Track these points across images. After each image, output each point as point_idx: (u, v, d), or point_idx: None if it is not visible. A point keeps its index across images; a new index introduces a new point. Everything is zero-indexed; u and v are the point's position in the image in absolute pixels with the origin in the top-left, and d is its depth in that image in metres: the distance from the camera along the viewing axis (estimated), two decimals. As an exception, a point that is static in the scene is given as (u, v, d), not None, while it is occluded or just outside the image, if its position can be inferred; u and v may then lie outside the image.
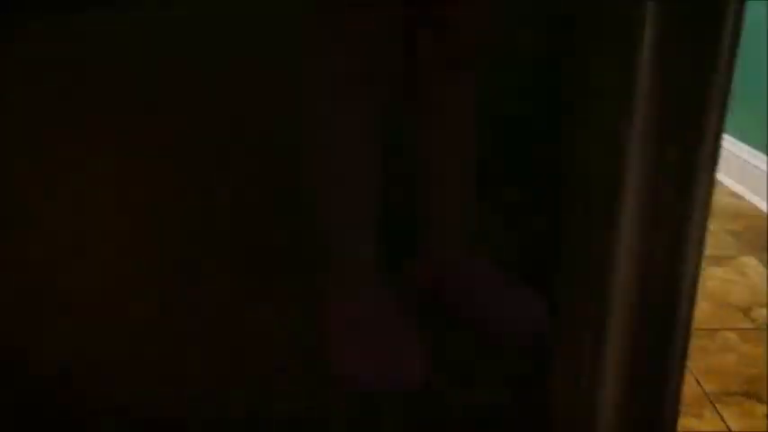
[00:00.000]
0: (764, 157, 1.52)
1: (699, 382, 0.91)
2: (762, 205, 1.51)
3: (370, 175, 0.64)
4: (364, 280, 0.66)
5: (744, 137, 1.63)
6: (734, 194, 1.60)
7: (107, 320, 0.57)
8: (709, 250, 1.30)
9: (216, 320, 0.59)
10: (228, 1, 0.52)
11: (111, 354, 0.56)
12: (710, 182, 0.40)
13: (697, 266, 0.43)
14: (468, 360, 0.63)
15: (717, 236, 1.38)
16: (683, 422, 0.84)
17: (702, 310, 1.10)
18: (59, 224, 0.58)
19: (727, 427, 0.83)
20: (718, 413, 0.85)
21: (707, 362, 0.96)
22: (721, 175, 1.71)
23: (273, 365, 0.58)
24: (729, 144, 1.67)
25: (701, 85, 0.37)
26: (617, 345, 0.42)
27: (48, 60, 0.53)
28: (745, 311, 1.09)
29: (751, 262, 1.26)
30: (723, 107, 0.38)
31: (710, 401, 0.87)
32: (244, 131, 0.58)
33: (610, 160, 0.38)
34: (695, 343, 1.00)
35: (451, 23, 0.62)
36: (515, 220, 0.65)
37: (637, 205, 0.39)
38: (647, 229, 0.40)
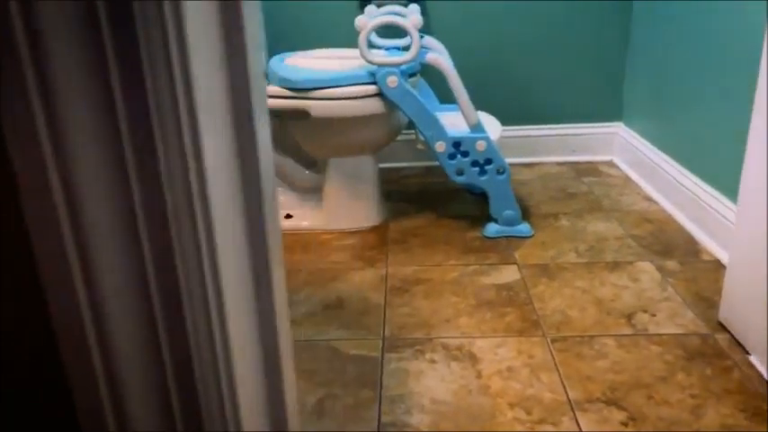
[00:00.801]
0: (674, 161, 1.57)
1: (565, 389, 0.95)
2: (671, 209, 1.55)
3: None
4: None
5: (660, 144, 1.67)
6: (648, 198, 1.65)
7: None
8: (610, 256, 1.35)
9: None
10: None
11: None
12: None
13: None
14: None
15: (621, 241, 1.42)
16: (540, 429, 0.88)
17: (588, 317, 1.14)
18: None
19: (583, 433, 0.87)
20: (576, 421, 0.89)
21: (578, 368, 1.00)
22: (640, 180, 1.76)
23: None
24: (647, 150, 1.72)
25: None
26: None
27: None
28: (629, 317, 1.13)
29: (647, 267, 1.30)
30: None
31: (572, 408, 0.91)
32: None
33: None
34: (572, 349, 1.04)
35: None
36: None
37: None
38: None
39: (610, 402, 0.92)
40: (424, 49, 1.46)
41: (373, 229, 1.56)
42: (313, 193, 1.64)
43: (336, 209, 1.56)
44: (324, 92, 1.38)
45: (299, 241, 1.51)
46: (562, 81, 1.92)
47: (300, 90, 1.40)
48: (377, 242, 1.49)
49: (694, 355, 1.02)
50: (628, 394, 0.94)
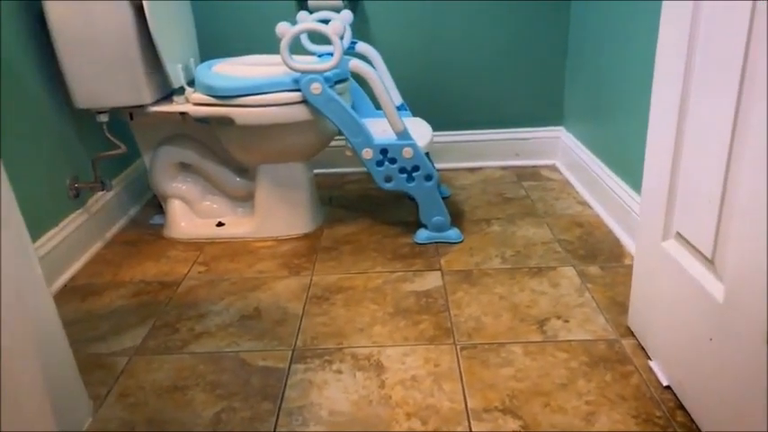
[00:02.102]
0: (605, 166, 1.58)
1: (465, 398, 0.95)
2: (603, 214, 1.56)
3: None
4: None
5: (593, 148, 1.68)
6: (583, 203, 1.66)
7: None
8: (534, 261, 1.35)
9: None
10: None
11: None
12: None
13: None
14: None
15: (548, 246, 1.42)
16: (432, 440, 0.87)
17: (501, 324, 1.14)
18: None
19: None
20: (470, 430, 0.89)
21: (482, 376, 1.00)
22: (578, 184, 1.76)
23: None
24: (583, 154, 1.73)
25: None
26: None
27: None
28: (541, 324, 1.13)
29: (569, 273, 1.31)
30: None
31: (468, 418, 0.91)
32: None
33: None
34: (479, 357, 1.04)
35: None
36: None
37: None
38: None
39: (507, 411, 0.92)
40: (347, 56, 1.45)
41: (306, 236, 1.55)
42: (246, 200, 1.63)
43: (267, 216, 1.54)
44: (247, 99, 1.37)
45: (229, 250, 1.50)
46: (505, 85, 1.93)
47: (224, 97, 1.39)
48: (307, 250, 1.48)
49: (598, 361, 1.02)
50: (526, 402, 0.93)
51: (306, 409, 0.95)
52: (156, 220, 1.69)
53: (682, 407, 0.90)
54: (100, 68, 1.37)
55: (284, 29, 1.33)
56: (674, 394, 0.93)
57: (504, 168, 1.96)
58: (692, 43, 0.83)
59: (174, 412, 0.96)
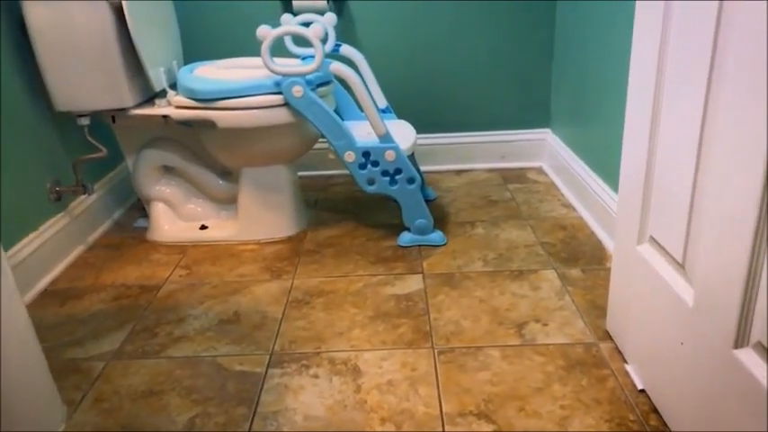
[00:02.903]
0: (588, 168, 1.58)
1: (440, 403, 0.95)
2: (587, 216, 1.56)
3: None
4: None
5: (577, 150, 1.68)
6: (567, 205, 1.66)
7: None
8: (516, 264, 1.35)
9: None
10: None
11: None
12: None
13: None
14: None
15: (531, 249, 1.42)
16: (405, 445, 0.87)
17: (479, 327, 1.13)
18: None
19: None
20: (443, 434, 0.89)
21: (459, 381, 1.00)
22: (563, 186, 1.77)
23: None
24: (569, 156, 1.73)
25: None
26: None
27: None
28: (520, 327, 1.13)
29: (550, 275, 1.30)
30: None
31: (442, 422, 0.91)
32: None
33: None
34: (457, 361, 1.04)
35: None
36: None
37: None
38: None
39: (481, 416, 0.92)
40: (329, 59, 1.45)
41: (289, 239, 1.55)
42: (229, 203, 1.62)
43: (251, 219, 1.54)
44: (229, 102, 1.37)
45: (212, 253, 1.49)
46: (492, 87, 1.93)
47: (206, 101, 1.38)
48: (289, 253, 1.47)
49: (575, 365, 1.02)
50: (501, 407, 0.93)
51: (280, 414, 0.94)
52: (141, 223, 1.69)
53: (656, 411, 0.90)
54: (80, 71, 1.36)
55: (265, 32, 1.33)
56: (649, 398, 0.93)
57: (490, 171, 1.96)
58: (663, 49, 0.83)
59: (148, 417, 0.95)
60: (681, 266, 0.82)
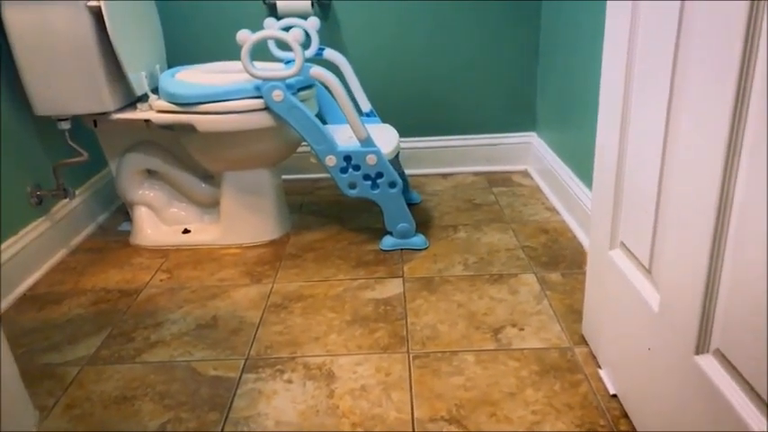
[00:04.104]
0: (571, 172, 1.58)
1: (412, 408, 0.95)
2: (569, 220, 1.56)
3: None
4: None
5: (561, 154, 1.68)
6: (551, 209, 1.66)
7: None
8: (496, 268, 1.35)
9: None
10: None
11: None
12: None
13: None
14: None
15: (512, 252, 1.42)
16: (374, 451, 0.87)
17: (456, 332, 1.13)
18: None
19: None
20: (413, 440, 0.89)
21: (432, 386, 0.99)
22: (547, 189, 1.76)
23: None
24: (553, 160, 1.73)
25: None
26: None
27: None
28: (496, 332, 1.13)
29: (529, 279, 1.30)
30: None
31: (413, 428, 0.91)
32: None
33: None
34: (431, 366, 1.03)
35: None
36: None
37: None
38: None
39: (452, 421, 0.92)
40: (310, 63, 1.45)
41: (271, 243, 1.55)
42: (212, 207, 1.62)
43: (233, 223, 1.54)
44: (209, 106, 1.37)
45: (194, 257, 1.49)
46: (478, 90, 1.93)
47: (186, 105, 1.38)
48: (271, 257, 1.47)
49: (549, 370, 1.01)
50: (472, 412, 0.93)
51: (252, 420, 0.94)
52: (125, 226, 1.69)
53: (626, 416, 0.90)
54: (59, 75, 1.36)
55: (244, 36, 1.33)
56: (620, 403, 0.93)
57: (476, 174, 1.96)
58: (631, 56, 0.83)
59: (119, 423, 0.95)
60: (648, 272, 0.82)
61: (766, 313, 0.56)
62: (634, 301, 0.85)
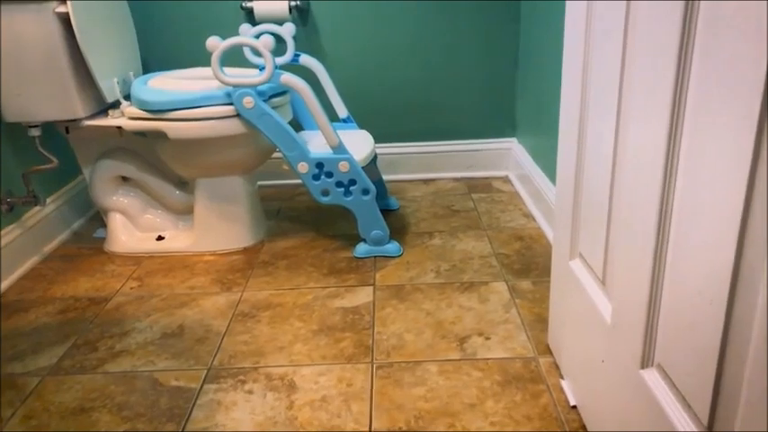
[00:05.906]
0: (547, 178, 1.57)
1: (371, 419, 0.94)
2: (545, 227, 1.55)
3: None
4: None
5: (537, 160, 1.68)
6: (528, 215, 1.65)
7: None
8: (468, 276, 1.34)
9: None
10: None
11: None
12: None
13: None
14: None
15: (485, 260, 1.41)
16: (328, 463, 0.86)
17: (422, 341, 1.12)
18: None
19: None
20: (369, 452, 0.88)
21: (393, 396, 0.98)
22: (526, 196, 1.76)
23: None
24: (531, 166, 1.72)
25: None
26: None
27: None
28: (462, 341, 1.12)
29: (500, 288, 1.29)
30: None
31: (370, 440, 0.90)
32: None
33: None
34: (394, 376, 1.02)
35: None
36: None
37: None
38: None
39: (410, 432, 0.91)
40: (279, 70, 1.44)
41: (245, 250, 1.54)
42: (186, 213, 1.61)
43: (206, 230, 1.53)
44: (180, 113, 1.36)
45: (166, 264, 1.48)
46: (458, 96, 1.92)
47: (157, 111, 1.38)
48: (243, 265, 1.46)
49: (511, 380, 1.01)
50: (431, 423, 0.92)
51: (209, 431, 0.93)
52: (100, 233, 1.68)
53: (585, 428, 0.89)
54: (28, 82, 1.35)
55: (214, 43, 1.32)
56: (580, 414, 0.92)
57: (457, 180, 1.96)
58: (587, 66, 0.82)
59: (75, 435, 0.94)
60: (603, 283, 0.81)
61: (700, 330, 0.55)
62: (590, 312, 0.84)
